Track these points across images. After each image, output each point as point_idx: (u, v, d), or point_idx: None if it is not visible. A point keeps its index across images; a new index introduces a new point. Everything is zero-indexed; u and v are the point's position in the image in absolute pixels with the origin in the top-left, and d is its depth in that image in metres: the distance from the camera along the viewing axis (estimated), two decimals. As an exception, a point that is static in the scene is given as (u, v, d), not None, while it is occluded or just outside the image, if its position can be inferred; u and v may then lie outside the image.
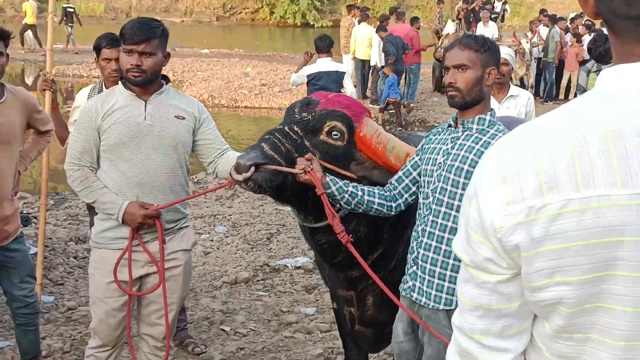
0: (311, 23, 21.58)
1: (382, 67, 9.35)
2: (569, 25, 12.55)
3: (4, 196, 2.80)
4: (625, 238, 0.76)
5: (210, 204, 5.98)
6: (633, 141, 0.75)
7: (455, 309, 1.33)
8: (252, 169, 2.11)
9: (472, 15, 11.29)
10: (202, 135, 2.66)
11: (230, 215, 5.77)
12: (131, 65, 2.43)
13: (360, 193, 2.20)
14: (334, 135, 2.33)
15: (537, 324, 0.91)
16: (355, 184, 2.27)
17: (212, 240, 5.14)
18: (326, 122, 2.33)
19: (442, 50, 9.38)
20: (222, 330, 3.63)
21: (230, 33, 22.69)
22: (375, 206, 2.22)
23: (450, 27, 11.33)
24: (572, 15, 14.25)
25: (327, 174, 2.19)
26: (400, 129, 8.84)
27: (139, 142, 2.50)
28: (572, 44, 10.91)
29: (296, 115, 2.35)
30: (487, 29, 10.17)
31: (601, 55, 5.31)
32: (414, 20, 10.92)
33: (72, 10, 16.33)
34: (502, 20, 13.03)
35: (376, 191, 2.26)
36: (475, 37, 2.30)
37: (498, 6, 13.20)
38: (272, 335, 3.58)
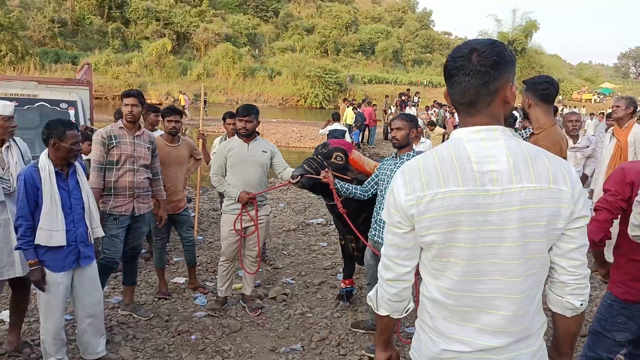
0: (324, 106, 37.46)
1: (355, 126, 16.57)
2: (449, 108, 19.27)
3: (179, 189, 4.74)
4: (463, 211, 1.38)
5: (276, 193, 9.42)
6: (465, 161, 1.39)
7: None
8: (299, 177, 3.91)
9: (403, 103, 18.47)
10: (275, 160, 4.31)
11: (285, 198, 9.19)
12: (241, 127, 4.14)
13: (351, 188, 3.82)
14: (338, 158, 4.05)
15: (423, 253, 1.53)
16: (349, 184, 3.88)
17: (277, 210, 8.36)
18: (334, 152, 4.06)
19: (389, 119, 16.05)
20: (283, 253, 6.23)
21: (285, 111, 36.65)
22: (358, 194, 3.82)
23: (392, 109, 18.47)
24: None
25: (336, 179, 3.87)
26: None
27: (245, 164, 4.19)
28: (450, 117, 17.27)
29: (319, 150, 4.15)
30: (410, 111, 16.80)
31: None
32: (372, 104, 19.79)
33: (206, 99, 22.60)
34: (417, 105, 21.09)
35: (359, 187, 3.84)
36: (405, 114, 3.79)
37: (415, 99, 23.96)
38: (305, 257, 6.15)
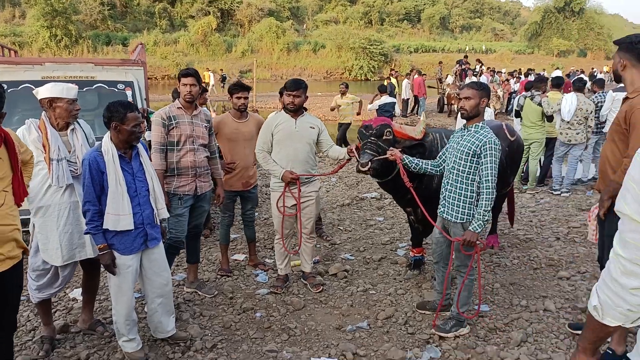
0: (369, 78, 36.82)
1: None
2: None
3: (250, 165, 4.62)
4: None
5: (327, 168, 9.32)
6: None
7: (463, 223, 3.30)
8: (369, 162, 3.75)
9: (463, 71, 16.86)
10: (322, 137, 4.22)
11: (338, 174, 8.84)
12: (289, 102, 4.07)
13: (421, 163, 3.66)
14: (388, 134, 3.91)
15: None
16: (417, 159, 3.71)
17: (329, 184, 8.38)
18: (383, 130, 3.91)
19: (444, 89, 17.48)
20: (339, 228, 6.17)
21: (330, 84, 35.99)
22: (428, 169, 3.67)
23: (450, 79, 17.11)
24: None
25: (404, 155, 3.72)
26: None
27: (292, 139, 4.07)
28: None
29: (368, 133, 3.93)
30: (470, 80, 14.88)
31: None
32: (422, 74, 18.54)
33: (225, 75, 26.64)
34: (481, 74, 19.43)
35: (429, 162, 3.70)
36: (475, 82, 3.48)
37: (477, 67, 21.10)
38: (362, 232, 6.03)
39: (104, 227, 3.01)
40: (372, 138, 3.93)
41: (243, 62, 40.97)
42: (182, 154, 3.92)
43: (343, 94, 10.89)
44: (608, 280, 1.38)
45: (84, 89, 5.37)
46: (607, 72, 28.35)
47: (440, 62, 23.97)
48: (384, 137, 3.93)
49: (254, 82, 6.51)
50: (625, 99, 2.99)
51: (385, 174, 3.99)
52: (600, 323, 1.44)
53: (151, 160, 3.40)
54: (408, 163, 3.71)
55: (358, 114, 11.23)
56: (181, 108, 3.96)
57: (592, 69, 27.66)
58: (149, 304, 3.36)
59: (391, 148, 3.81)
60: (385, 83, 13.80)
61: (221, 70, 30.95)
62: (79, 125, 3.42)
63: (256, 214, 6.49)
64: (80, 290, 3.99)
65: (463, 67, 18.62)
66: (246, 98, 4.63)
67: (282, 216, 4.21)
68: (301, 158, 4.15)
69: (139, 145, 3.20)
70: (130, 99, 5.51)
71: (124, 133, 3.04)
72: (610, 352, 3.14)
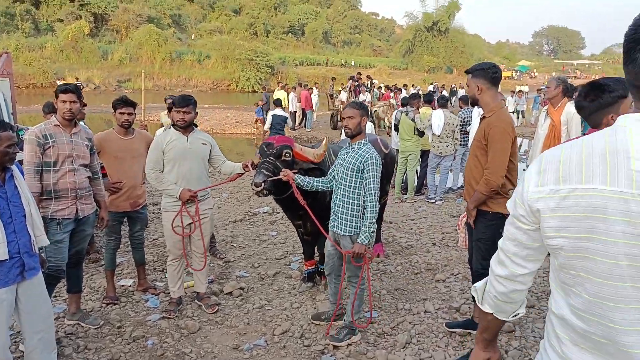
0: (256, 90, 37.13)
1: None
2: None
3: (138, 184, 4.48)
4: (606, 216, 1.09)
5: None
6: (621, 157, 1.09)
7: (351, 235, 3.51)
8: (263, 183, 3.79)
9: (357, 88, 17.55)
10: (214, 153, 4.25)
11: (228, 187, 8.94)
12: (179, 118, 4.02)
13: (312, 182, 3.85)
14: (287, 155, 3.99)
15: (551, 259, 1.29)
16: (309, 177, 3.87)
17: (220, 200, 8.24)
18: (283, 150, 4.00)
19: (336, 105, 17.77)
20: (232, 245, 6.14)
21: (216, 96, 35.92)
22: (319, 186, 3.85)
23: (344, 95, 17.53)
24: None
25: (296, 174, 3.86)
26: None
27: (185, 157, 4.02)
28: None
29: (268, 151, 4.00)
30: (365, 96, 16.43)
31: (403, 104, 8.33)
32: (308, 87, 19.76)
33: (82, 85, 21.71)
34: (371, 90, 21.07)
35: (320, 180, 3.87)
36: (355, 103, 3.79)
37: (368, 83, 22.24)
38: (256, 247, 6.09)
39: None
40: (271, 158, 4.03)
41: (121, 71, 38.81)
42: (61, 175, 3.67)
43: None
44: (490, 267, 1.52)
45: None
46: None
47: (334, 78, 24.67)
48: (283, 158, 4.03)
49: (142, 94, 6.21)
50: (483, 118, 3.44)
51: (279, 192, 4.09)
52: (480, 308, 1.56)
53: (26, 184, 3.14)
54: (300, 182, 3.87)
55: None
56: (58, 126, 3.71)
57: (452, 85, 30.57)
58: (26, 341, 3.08)
59: (284, 170, 3.91)
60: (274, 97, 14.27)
61: (77, 78, 28.67)
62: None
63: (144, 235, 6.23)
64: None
65: (357, 83, 19.39)
66: (130, 114, 4.46)
67: (182, 237, 4.12)
68: (195, 176, 4.12)
69: (14, 167, 2.96)
70: (-6, 114, 5.01)
71: None
72: None
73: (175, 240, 4.16)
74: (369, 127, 7.54)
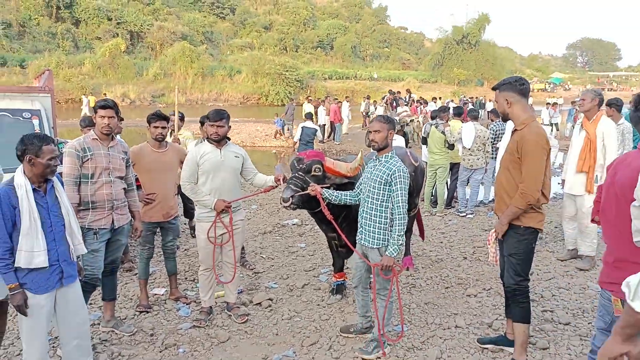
0: (285, 104, 33.71)
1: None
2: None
3: (170, 196, 4.63)
4: None
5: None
6: None
7: (379, 248, 3.53)
8: (291, 198, 3.92)
9: (394, 101, 17.44)
10: (246, 166, 4.34)
11: (257, 199, 9.10)
12: (213, 132, 4.11)
13: (340, 195, 3.87)
14: (317, 170, 4.05)
15: None
16: (337, 191, 3.92)
17: (250, 212, 8.30)
18: (312, 165, 4.08)
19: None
20: (262, 256, 6.20)
21: (247, 110, 36.53)
22: (347, 199, 3.86)
23: (380, 110, 17.61)
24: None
25: (323, 189, 3.89)
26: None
27: (218, 170, 4.13)
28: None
29: (298, 167, 4.08)
30: (402, 110, 15.76)
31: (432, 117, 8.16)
32: (337, 101, 20.15)
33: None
34: (410, 104, 20.09)
35: (348, 193, 3.90)
36: (382, 116, 3.76)
37: (406, 96, 23.02)
38: (285, 259, 6.13)
39: (16, 265, 2.84)
40: (300, 173, 4.08)
41: (155, 87, 39.92)
42: (98, 187, 3.80)
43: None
44: None
45: (-17, 118, 5.02)
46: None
47: (368, 97, 24.22)
48: (313, 173, 4.08)
49: (176, 109, 6.42)
50: (514, 131, 3.39)
51: (311, 206, 4.12)
52: (630, 307, 1.46)
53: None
54: (328, 197, 3.90)
55: None
56: (96, 139, 3.85)
57: (479, 98, 30.53)
58: (63, 347, 3.18)
59: (311, 185, 3.95)
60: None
61: (105, 94, 29.63)
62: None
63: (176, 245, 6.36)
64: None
65: (395, 95, 19.49)
66: (164, 127, 4.59)
67: (214, 246, 4.19)
68: (228, 188, 4.20)
69: (55, 179, 3.08)
70: (37, 128, 5.22)
71: (38, 166, 2.92)
72: None
73: (208, 251, 4.22)
74: (400, 141, 7.50)
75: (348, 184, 4.17)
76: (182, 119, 6.56)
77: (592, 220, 3.10)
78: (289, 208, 3.99)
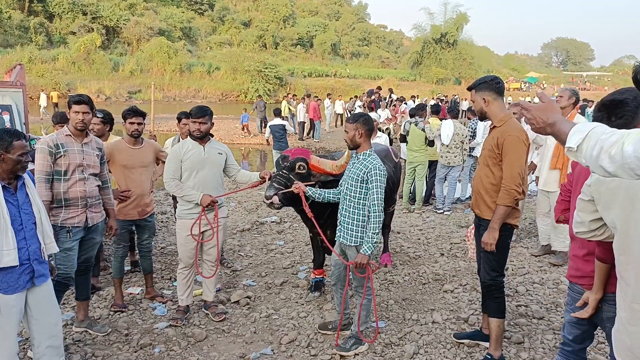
0: (265, 101, 35.10)
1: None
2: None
3: (146, 193, 4.55)
4: None
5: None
6: None
7: (357, 245, 3.57)
8: (273, 196, 3.94)
9: (373, 102, 16.62)
10: (229, 162, 4.35)
11: (236, 197, 9.08)
12: (195, 129, 4.10)
13: (324, 193, 3.86)
14: (301, 168, 4.06)
15: None
16: (321, 189, 3.91)
17: (229, 210, 8.09)
18: (296, 163, 4.08)
19: None
20: (240, 254, 6.16)
21: (225, 107, 36.07)
22: (331, 197, 3.84)
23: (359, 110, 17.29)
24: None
25: (307, 187, 3.90)
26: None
27: (202, 166, 4.13)
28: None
29: (282, 164, 4.11)
30: (383, 113, 14.95)
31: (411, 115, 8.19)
32: (316, 99, 20.22)
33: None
34: (391, 105, 19.98)
35: (331, 191, 3.86)
36: (352, 116, 3.72)
37: (387, 96, 22.77)
38: (263, 257, 6.09)
39: None
40: (283, 171, 4.08)
41: (132, 82, 39.33)
42: (71, 184, 3.71)
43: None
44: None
45: (-49, 113, 4.86)
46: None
47: (356, 96, 23.84)
48: (297, 171, 4.08)
49: (152, 105, 6.34)
50: (493, 128, 3.43)
51: (295, 204, 4.12)
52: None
53: (37, 192, 3.18)
54: (312, 194, 3.90)
55: None
56: (70, 135, 3.77)
57: (454, 95, 31.28)
58: (35, 348, 3.10)
59: (295, 182, 3.95)
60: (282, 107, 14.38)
61: (68, 91, 29.21)
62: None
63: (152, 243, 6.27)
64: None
65: (372, 97, 19.10)
66: (140, 124, 4.53)
67: (197, 244, 4.17)
68: (212, 185, 4.19)
69: (25, 176, 3.00)
70: (7, 123, 5.09)
71: (8, 163, 2.84)
72: (489, 357, 3.52)
73: (189, 248, 4.19)
74: (384, 139, 7.50)
75: (334, 181, 4.14)
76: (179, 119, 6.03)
77: (558, 221, 3.13)
78: (272, 207, 3.98)
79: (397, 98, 23.18)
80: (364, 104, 18.65)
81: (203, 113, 4.12)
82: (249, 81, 42.22)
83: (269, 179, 4.19)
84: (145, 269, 4.81)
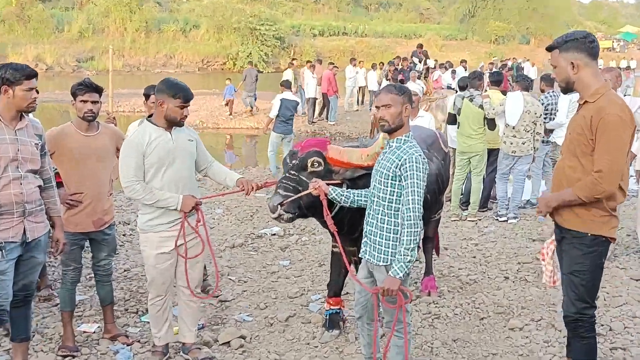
0: (261, 70, 34.94)
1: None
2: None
3: (104, 196, 4.54)
4: None
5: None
6: None
7: (386, 265, 3.47)
8: (279, 207, 3.95)
9: (399, 73, 16.62)
10: (199, 151, 4.34)
11: (223, 201, 9.04)
12: (179, 113, 4.09)
13: (351, 195, 3.81)
14: (315, 164, 4.06)
15: None
16: (348, 190, 3.85)
17: (213, 218, 8.29)
18: (308, 160, 4.07)
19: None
20: (230, 279, 6.16)
21: (207, 77, 36.31)
22: (362, 200, 3.78)
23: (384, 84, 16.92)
24: None
25: (330, 187, 3.80)
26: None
27: (171, 158, 4.09)
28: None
29: (289, 164, 4.14)
30: (415, 85, 14.55)
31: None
32: (333, 66, 19.22)
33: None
34: (425, 75, 19.63)
35: (362, 192, 3.80)
36: (394, 85, 3.71)
37: (419, 66, 21.62)
38: (262, 282, 6.10)
39: None
40: (292, 172, 4.10)
41: (81, 47, 39.66)
42: (2, 185, 3.74)
43: None
44: None
45: None
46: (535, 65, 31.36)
47: (390, 62, 22.51)
48: (310, 170, 4.09)
49: (110, 77, 6.35)
50: (584, 103, 3.36)
51: (315, 212, 4.13)
52: None
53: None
54: (336, 197, 3.84)
55: None
56: (1, 120, 3.79)
57: (515, 59, 30.66)
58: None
59: (314, 181, 3.92)
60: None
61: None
62: None
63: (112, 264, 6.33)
64: None
65: (403, 65, 18.98)
66: (95, 102, 4.51)
67: (185, 260, 4.18)
68: (186, 180, 4.24)
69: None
70: None
71: None
72: None
73: (162, 270, 4.19)
74: (428, 120, 7.49)
75: (367, 175, 3.98)
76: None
77: None
78: (280, 220, 4.00)
79: (438, 64, 22.84)
80: (386, 75, 18.43)
81: (192, 96, 4.25)
82: (238, 43, 42.31)
83: (256, 190, 4.18)
84: (105, 299, 4.83)
